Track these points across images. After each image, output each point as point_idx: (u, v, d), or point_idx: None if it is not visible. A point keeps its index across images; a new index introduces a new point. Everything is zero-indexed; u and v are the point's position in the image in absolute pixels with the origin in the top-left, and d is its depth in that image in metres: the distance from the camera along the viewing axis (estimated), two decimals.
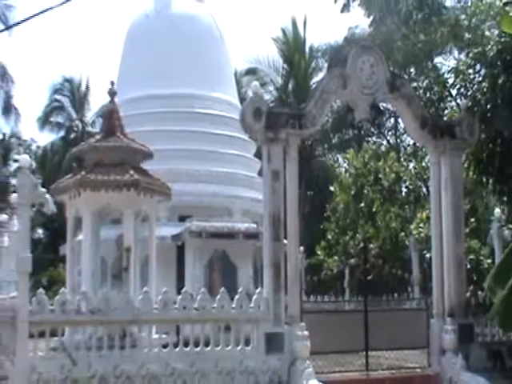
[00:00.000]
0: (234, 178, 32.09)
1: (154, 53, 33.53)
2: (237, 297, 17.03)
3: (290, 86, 53.19)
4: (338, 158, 53.97)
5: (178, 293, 17.38)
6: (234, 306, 16.93)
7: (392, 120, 48.96)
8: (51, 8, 11.94)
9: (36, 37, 75.34)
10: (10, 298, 18.08)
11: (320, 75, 50.04)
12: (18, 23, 14.27)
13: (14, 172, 59.46)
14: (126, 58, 35.61)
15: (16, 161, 58.01)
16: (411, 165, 39.19)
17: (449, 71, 32.15)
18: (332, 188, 39.32)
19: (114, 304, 16.22)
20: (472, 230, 30.61)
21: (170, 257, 28.80)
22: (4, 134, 63.09)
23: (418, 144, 33.44)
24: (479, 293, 21.07)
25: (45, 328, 15.76)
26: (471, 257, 28.73)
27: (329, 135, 52.24)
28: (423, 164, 36.80)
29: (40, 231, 55.97)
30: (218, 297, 16.89)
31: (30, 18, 12.30)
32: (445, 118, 28.22)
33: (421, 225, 32.13)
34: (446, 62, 38.23)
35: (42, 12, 11.92)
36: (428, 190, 28.84)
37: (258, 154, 28.65)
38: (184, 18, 35.16)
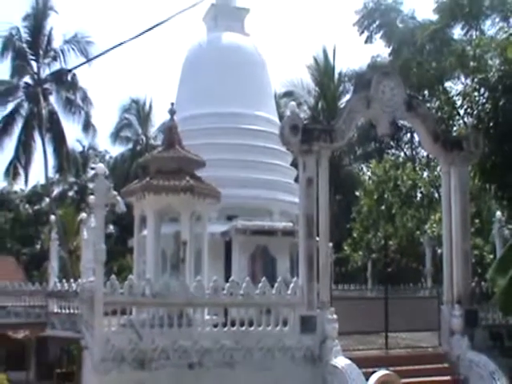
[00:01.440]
0: (274, 184, 32.03)
1: (207, 77, 33.58)
2: (276, 285, 17.04)
3: (321, 106, 53.05)
4: (362, 168, 53.60)
5: (226, 281, 17.42)
6: (273, 292, 16.95)
7: (408, 135, 48.55)
8: (122, 43, 12.12)
9: (109, 65, 75.95)
10: (89, 282, 18.28)
11: (347, 97, 49.77)
12: (96, 57, 14.47)
13: (91, 178, 60.15)
14: (184, 82, 35.73)
15: (93, 169, 58.55)
16: (425, 173, 38.88)
17: (457, 94, 31.99)
18: (357, 193, 39.14)
19: (172, 289, 16.34)
20: (477, 229, 30.31)
21: (219, 250, 28.81)
22: (84, 147, 63.86)
23: (431, 156, 33.23)
24: (483, 283, 20.91)
25: (116, 307, 15.94)
26: (476, 252, 28.45)
27: (354, 147, 51.98)
28: (435, 173, 36.50)
29: (111, 227, 56.40)
30: (260, 284, 16.92)
31: (104, 52, 12.50)
32: (454, 134, 27.98)
33: (434, 225, 31.90)
34: (454, 86, 37.86)
35: (114, 47, 12.11)
36: (440, 196, 28.58)
37: (294, 164, 28.65)
38: (232, 48, 35.21)
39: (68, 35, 49.23)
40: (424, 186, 36.60)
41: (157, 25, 12.49)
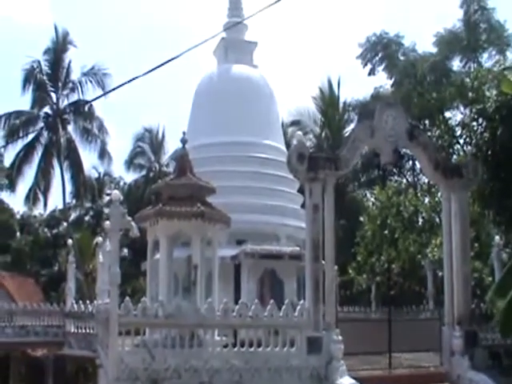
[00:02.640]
0: (282, 210, 32.04)
1: (218, 108, 33.76)
2: (283, 307, 16.97)
3: (326, 135, 53.14)
4: (366, 194, 53.48)
5: (236, 303, 17.36)
6: (281, 314, 16.87)
7: (410, 162, 48.54)
8: (136, 78, 12.22)
9: (124, 95, 76.44)
10: (105, 304, 18.25)
11: (351, 126, 49.91)
12: (111, 91, 14.64)
13: (106, 203, 60.27)
14: (195, 112, 35.90)
15: (108, 194, 58.61)
16: (427, 199, 38.75)
17: (457, 124, 31.96)
18: (361, 218, 39.01)
19: (184, 311, 16.28)
20: (476, 253, 30.14)
21: (229, 273, 28.78)
22: (100, 174, 64.01)
23: (432, 182, 33.15)
24: (482, 305, 20.78)
25: (130, 328, 15.87)
26: (475, 275, 28.25)
27: (358, 174, 51.92)
28: (436, 199, 36.39)
29: (125, 250, 56.41)
30: (268, 307, 16.85)
31: (119, 86, 12.60)
32: (454, 162, 27.94)
33: (435, 249, 31.72)
34: (454, 116, 37.95)
35: (129, 81, 12.20)
36: (441, 221, 28.49)
37: (301, 190, 28.63)
38: (241, 79, 35.42)
39: (86, 68, 49.70)
40: (425, 211, 36.44)
41: (170, 60, 12.58)
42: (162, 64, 12.62)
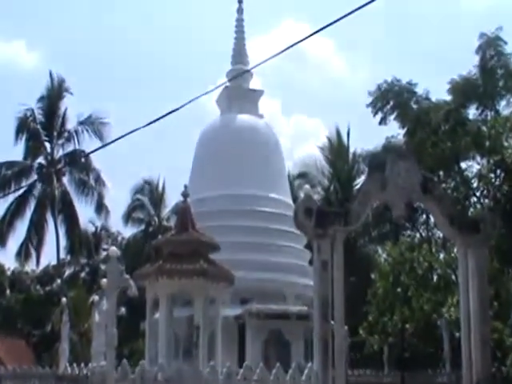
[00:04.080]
0: (288, 267, 32.01)
1: (221, 159, 33.99)
2: (290, 371, 16.91)
3: (335, 188, 53.28)
4: (377, 249, 53.39)
5: (240, 365, 17.32)
6: (288, 378, 16.80)
7: (424, 216, 48.57)
8: (137, 129, 12.43)
9: (122, 145, 76.71)
10: (100, 366, 18.20)
11: (361, 178, 50.12)
12: (109, 143, 14.79)
13: (103, 259, 60.20)
14: (197, 163, 36.12)
15: (105, 249, 58.62)
16: (442, 255, 38.71)
17: (473, 176, 32.06)
18: (372, 275, 38.95)
19: (185, 374, 16.24)
20: (495, 312, 29.99)
21: (233, 334, 28.63)
22: (96, 228, 63.96)
23: (447, 237, 33.15)
24: (503, 368, 20.65)
25: None
26: (495, 336, 28.11)
27: (369, 229, 51.86)
28: (452, 254, 36.33)
29: (123, 309, 56.14)
30: (274, 370, 16.79)
31: (118, 139, 12.81)
32: (470, 215, 28.00)
33: (451, 308, 31.59)
34: (470, 167, 38.07)
35: (128, 133, 12.39)
36: (457, 278, 28.46)
37: (309, 246, 28.64)
38: (246, 129, 35.69)
39: (82, 116, 50.01)
40: (441, 267, 36.34)
41: (171, 112, 12.78)
42: (163, 116, 12.83)
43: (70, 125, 50.34)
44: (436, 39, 77.73)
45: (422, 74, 63.32)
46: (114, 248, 17.09)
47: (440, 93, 39.98)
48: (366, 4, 10.90)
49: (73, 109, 51.22)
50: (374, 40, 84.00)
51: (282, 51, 12.45)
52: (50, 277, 63.94)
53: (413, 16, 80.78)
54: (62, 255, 53.85)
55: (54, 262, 57.98)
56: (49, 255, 56.52)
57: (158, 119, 12.89)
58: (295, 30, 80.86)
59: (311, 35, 12.40)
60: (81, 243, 52.95)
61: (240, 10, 40.33)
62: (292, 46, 12.39)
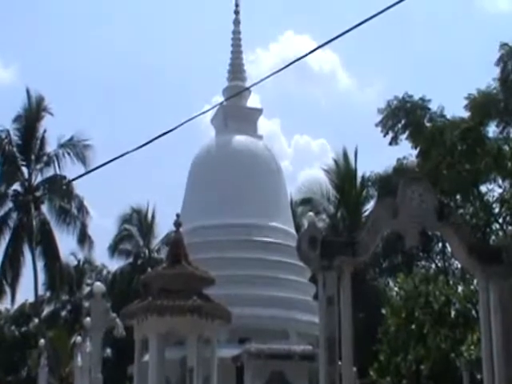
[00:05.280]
0: (291, 302, 32.02)
1: (217, 186, 34.09)
2: None
3: (342, 214, 53.33)
4: (388, 282, 53.46)
5: None
6: None
7: (440, 244, 48.65)
8: (125, 154, 12.49)
9: (108, 169, 76.61)
10: None
11: (370, 203, 50.30)
12: (94, 169, 14.82)
13: (86, 295, 60.08)
14: (190, 190, 36.22)
15: (89, 285, 58.55)
16: (460, 288, 38.72)
17: (494, 200, 32.09)
18: (383, 310, 38.93)
19: None
20: None
21: (230, 377, 28.61)
22: (79, 261, 63.94)
23: (466, 268, 33.19)
24: None
25: None
26: None
27: (379, 260, 51.93)
28: (472, 287, 36.36)
29: (108, 351, 55.99)
30: None
31: (104, 164, 12.87)
32: (491, 244, 28.04)
33: (471, 346, 31.55)
34: (490, 190, 38.15)
35: (116, 158, 12.44)
36: (477, 313, 28.47)
37: (313, 279, 28.64)
38: (244, 152, 35.81)
39: (63, 138, 50.03)
40: (459, 302, 36.36)
41: (162, 135, 12.84)
42: (152, 140, 12.89)
43: (50, 148, 50.44)
44: (451, 51, 78.32)
45: (436, 88, 63.45)
46: (98, 283, 17.12)
47: (456, 109, 40.11)
48: (375, 16, 10.99)
49: (53, 130, 51.27)
50: (382, 53, 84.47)
51: (283, 68, 12.55)
52: (26, 316, 63.81)
53: (425, 25, 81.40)
54: (41, 292, 53.78)
55: (31, 299, 57.91)
56: (25, 292, 56.36)
57: (147, 143, 12.98)
58: (296, 42, 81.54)
59: (314, 50, 12.52)
60: (61, 278, 52.78)
61: (237, 22, 40.57)
62: (293, 62, 12.49)
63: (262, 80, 13.15)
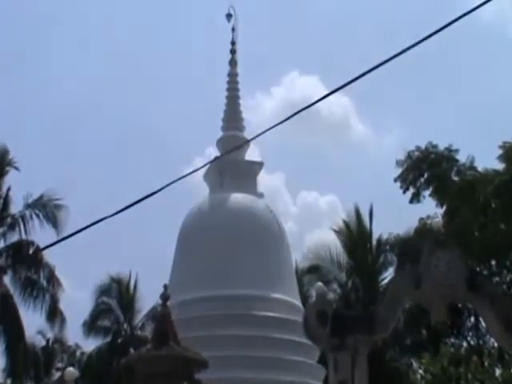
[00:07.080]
0: None
1: (210, 251, 34.10)
2: None
3: (356, 284, 53.20)
4: (411, 363, 53.22)
5: None
6: None
7: (472, 319, 48.54)
8: (105, 218, 12.55)
9: (83, 236, 76.58)
10: None
11: (390, 271, 50.17)
12: (68, 236, 14.85)
13: (56, 382, 59.62)
14: (180, 256, 36.23)
15: (59, 369, 58.13)
16: (498, 371, 38.56)
17: None
18: None
19: None
20: None
21: None
22: (48, 340, 63.65)
23: (503, 347, 33.10)
24: None
25: None
26: None
27: (401, 336, 51.75)
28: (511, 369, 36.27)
29: None
30: None
31: (79, 231, 12.97)
32: None
33: None
34: None
35: (93, 224, 12.51)
36: None
37: (323, 360, 28.52)
38: (242, 214, 35.87)
39: (31, 198, 50.04)
40: None
41: (145, 197, 12.91)
42: (134, 203, 12.93)
43: (15, 208, 50.48)
44: (480, 92, 78.70)
45: (464, 137, 63.68)
46: (70, 368, 17.07)
47: (489, 160, 40.25)
48: (393, 57, 11.06)
49: (18, 188, 51.37)
50: (402, 96, 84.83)
51: (288, 118, 12.59)
52: None
53: (447, 64, 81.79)
54: (1, 379, 53.43)
55: None
56: None
57: (128, 206, 13.01)
58: (302, 84, 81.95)
59: (325, 97, 12.54)
60: (26, 362, 52.41)
61: (233, 62, 40.77)
62: (299, 111, 12.55)
63: (263, 132, 13.17)
